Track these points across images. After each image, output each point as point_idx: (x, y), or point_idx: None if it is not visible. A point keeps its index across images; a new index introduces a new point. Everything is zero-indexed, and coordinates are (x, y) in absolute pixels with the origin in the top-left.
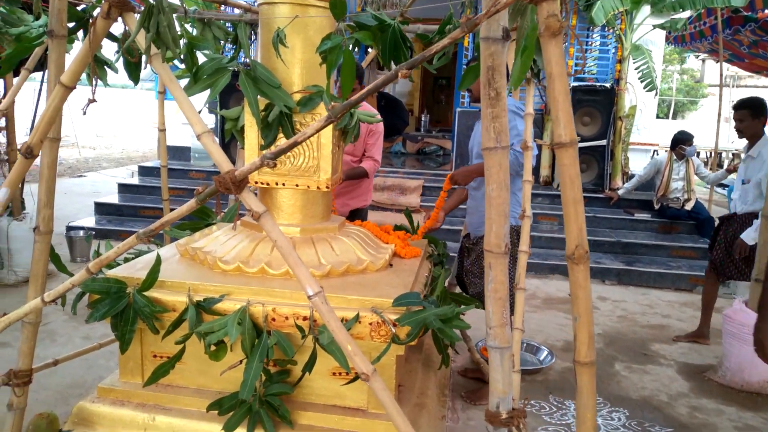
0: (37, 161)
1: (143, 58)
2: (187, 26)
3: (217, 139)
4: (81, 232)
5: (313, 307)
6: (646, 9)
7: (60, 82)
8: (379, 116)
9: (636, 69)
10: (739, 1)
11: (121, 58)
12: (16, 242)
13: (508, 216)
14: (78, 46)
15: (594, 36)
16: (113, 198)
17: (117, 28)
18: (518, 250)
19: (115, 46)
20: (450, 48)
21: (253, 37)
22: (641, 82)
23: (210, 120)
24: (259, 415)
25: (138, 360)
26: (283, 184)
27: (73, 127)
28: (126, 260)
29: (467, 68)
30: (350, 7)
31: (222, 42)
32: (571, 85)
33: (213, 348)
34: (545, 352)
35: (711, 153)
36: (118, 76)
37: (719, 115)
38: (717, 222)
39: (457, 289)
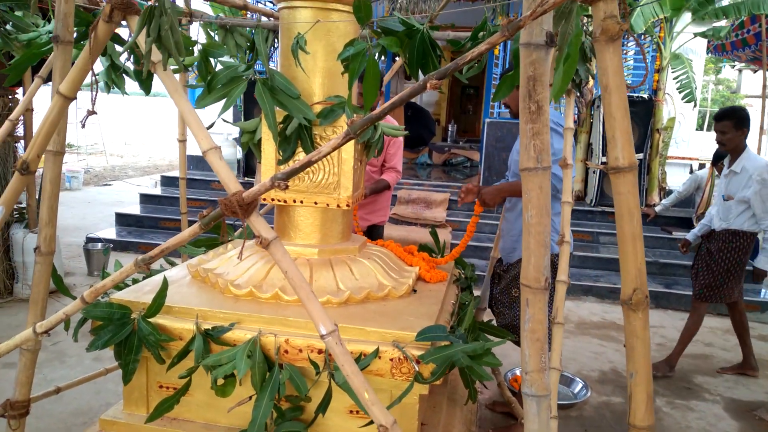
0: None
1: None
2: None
3: (241, 152)
4: (99, 245)
5: (327, 347)
6: (686, 17)
7: (59, 91)
8: (402, 128)
9: (675, 79)
10: None
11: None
12: (31, 255)
13: (549, 246)
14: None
15: (629, 44)
16: (135, 209)
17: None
18: (556, 280)
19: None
20: (484, 57)
21: (276, 44)
22: (680, 92)
23: (235, 131)
24: None
25: (143, 390)
26: (301, 202)
27: (101, 135)
28: (134, 282)
29: (503, 78)
30: (377, 13)
31: (246, 51)
32: None
33: (221, 382)
34: (580, 385)
35: None
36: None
37: (761, 127)
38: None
39: (487, 317)
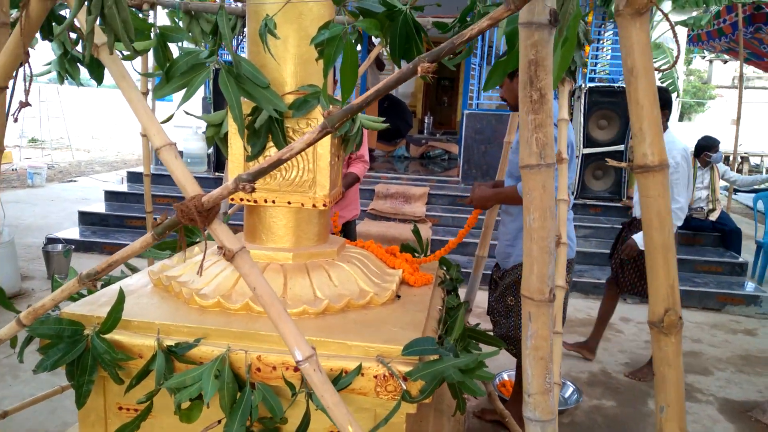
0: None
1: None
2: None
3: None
4: (59, 246)
5: (304, 374)
6: (666, 5)
7: None
8: (382, 120)
9: (657, 69)
10: None
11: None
12: None
13: (554, 253)
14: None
15: (608, 33)
16: (100, 206)
17: None
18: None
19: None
20: (472, 41)
21: (244, 32)
22: (662, 82)
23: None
24: None
25: (101, 413)
26: (273, 202)
27: (66, 129)
28: (89, 292)
29: (495, 64)
30: None
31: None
32: (587, 86)
33: (186, 405)
34: (570, 389)
35: (730, 157)
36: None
37: (738, 117)
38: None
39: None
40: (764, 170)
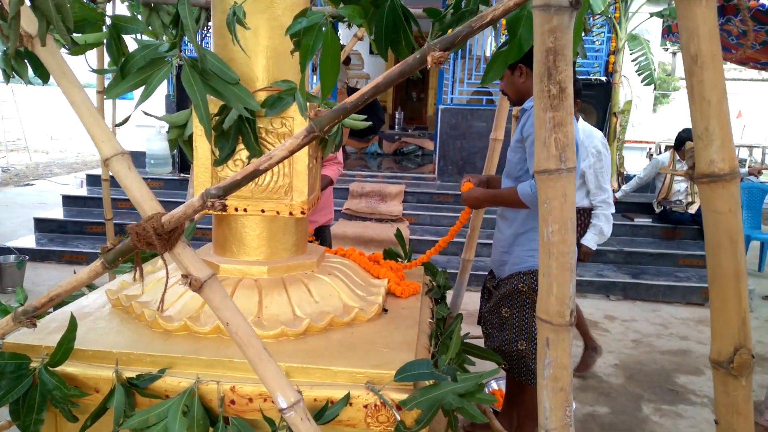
0: None
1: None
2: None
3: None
4: (12, 257)
5: (289, 424)
6: None
7: None
8: (363, 119)
9: (633, 61)
10: None
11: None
12: None
13: (575, 270)
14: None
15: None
16: (58, 212)
17: None
18: None
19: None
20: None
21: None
22: (639, 75)
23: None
24: None
25: None
26: (245, 210)
27: (23, 130)
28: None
29: (495, 55)
30: None
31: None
32: None
33: None
34: None
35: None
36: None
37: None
38: None
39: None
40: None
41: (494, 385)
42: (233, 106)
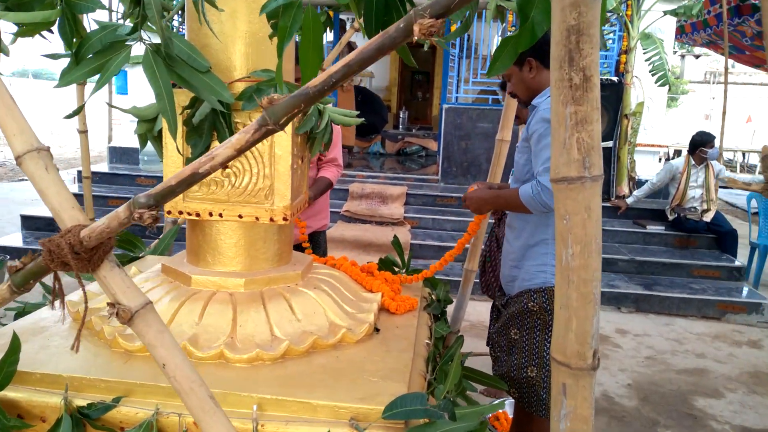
0: None
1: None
2: None
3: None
4: None
5: None
6: None
7: None
8: (355, 114)
9: (647, 60)
10: None
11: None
12: None
13: (598, 301)
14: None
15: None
16: (46, 209)
17: None
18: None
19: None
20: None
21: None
22: (652, 75)
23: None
24: None
25: None
26: (221, 215)
27: None
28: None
29: (503, 41)
30: None
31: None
32: None
33: None
34: None
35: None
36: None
37: (724, 113)
38: None
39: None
40: (737, 165)
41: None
42: (204, 98)
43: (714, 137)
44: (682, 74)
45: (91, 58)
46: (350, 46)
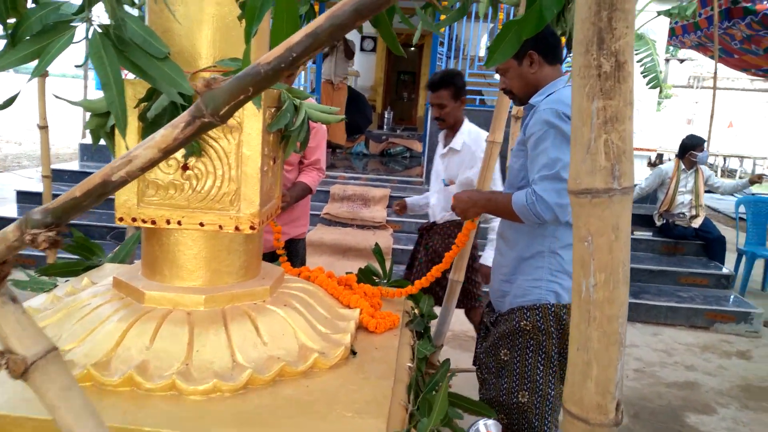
0: None
1: None
2: None
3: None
4: None
5: None
6: None
7: None
8: (338, 111)
9: (639, 62)
10: None
11: None
12: None
13: (623, 343)
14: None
15: None
16: (11, 209)
17: None
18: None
19: None
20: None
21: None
22: (644, 77)
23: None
24: None
25: None
26: (179, 223)
27: None
28: None
29: (506, 25)
30: None
31: None
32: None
33: None
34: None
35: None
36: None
37: (712, 116)
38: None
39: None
40: (718, 170)
41: (481, 427)
42: (160, 89)
43: (704, 140)
44: (666, 78)
45: (29, 40)
46: (347, 46)
